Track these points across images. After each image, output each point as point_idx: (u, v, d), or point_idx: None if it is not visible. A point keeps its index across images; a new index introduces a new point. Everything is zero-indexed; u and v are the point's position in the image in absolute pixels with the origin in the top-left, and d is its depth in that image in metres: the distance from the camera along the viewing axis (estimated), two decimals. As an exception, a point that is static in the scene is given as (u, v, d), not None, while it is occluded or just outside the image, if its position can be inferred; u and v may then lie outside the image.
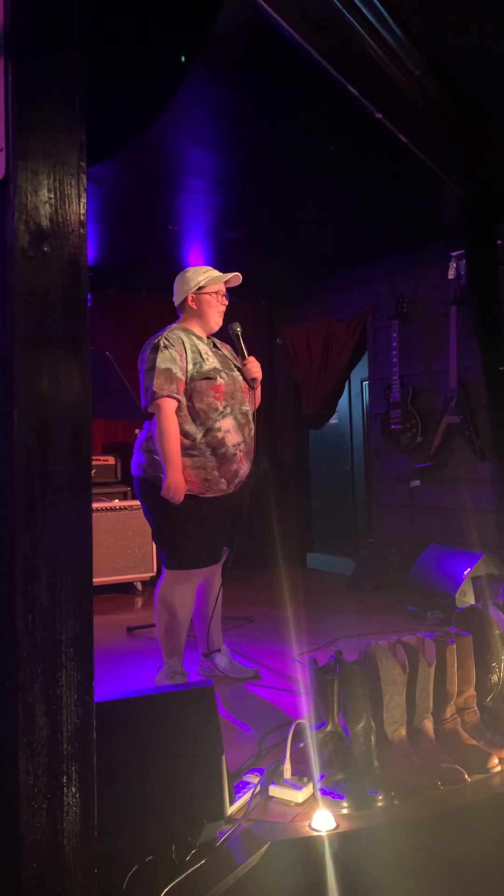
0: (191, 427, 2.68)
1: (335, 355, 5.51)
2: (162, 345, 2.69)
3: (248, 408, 2.82)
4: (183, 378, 2.67)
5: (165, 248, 4.76)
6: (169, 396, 2.63)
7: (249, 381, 2.83)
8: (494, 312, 3.90)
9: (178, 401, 2.66)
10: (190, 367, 2.69)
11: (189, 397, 2.69)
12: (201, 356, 2.73)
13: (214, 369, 2.72)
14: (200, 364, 2.70)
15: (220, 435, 2.69)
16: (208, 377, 2.69)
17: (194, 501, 2.69)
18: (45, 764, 1.17)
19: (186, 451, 2.67)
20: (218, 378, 2.71)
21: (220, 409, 2.70)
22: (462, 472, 4.48)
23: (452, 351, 4.43)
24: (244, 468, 2.79)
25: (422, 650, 2.10)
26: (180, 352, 2.69)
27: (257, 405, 2.94)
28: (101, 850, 1.27)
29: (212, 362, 2.74)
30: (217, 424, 2.69)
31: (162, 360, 2.65)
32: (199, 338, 2.81)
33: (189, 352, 2.71)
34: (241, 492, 2.86)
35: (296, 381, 5.93)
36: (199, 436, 2.68)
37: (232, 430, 2.72)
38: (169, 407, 2.63)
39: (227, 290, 2.90)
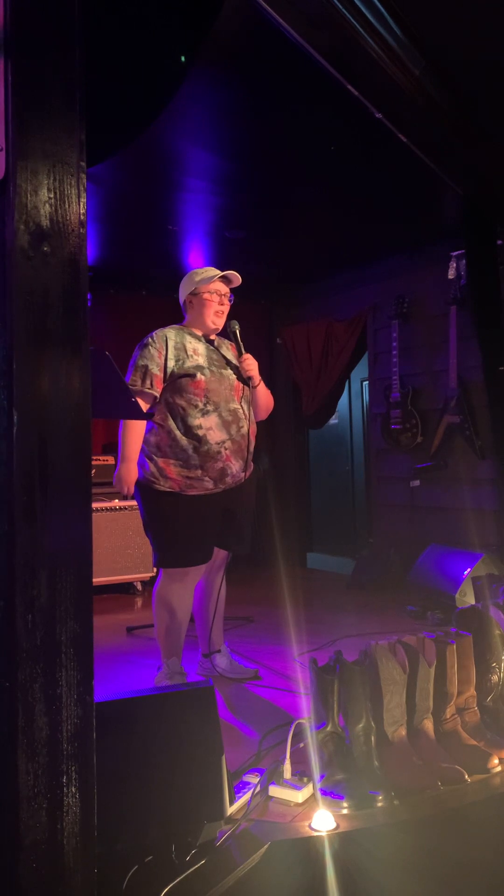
0: (172, 424, 2.70)
1: (335, 355, 5.51)
2: (145, 343, 2.76)
3: (240, 406, 2.79)
4: (160, 374, 2.70)
5: (165, 248, 4.76)
6: (140, 393, 2.68)
7: (245, 380, 2.82)
8: (494, 312, 3.90)
9: (154, 396, 2.71)
10: (171, 363, 2.71)
11: (171, 394, 2.71)
12: (187, 353, 2.74)
13: (197, 366, 2.72)
14: (183, 361, 2.71)
15: (200, 432, 2.69)
16: (188, 374, 2.70)
17: (176, 499, 2.70)
18: (45, 764, 1.17)
19: (169, 448, 2.69)
20: (199, 375, 2.71)
21: (201, 406, 2.70)
22: (462, 472, 4.49)
23: (452, 351, 4.43)
24: (233, 467, 2.76)
25: (422, 650, 2.10)
26: (160, 349, 2.72)
27: (265, 405, 2.91)
28: (101, 850, 1.27)
29: (196, 359, 2.74)
30: (197, 422, 2.69)
31: (141, 358, 2.72)
32: (197, 337, 2.82)
33: (172, 349, 2.73)
34: (236, 492, 2.83)
35: (296, 381, 5.93)
36: (179, 432, 2.69)
37: (215, 428, 2.71)
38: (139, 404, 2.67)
39: (231, 289, 2.89)
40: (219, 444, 2.71)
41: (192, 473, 2.69)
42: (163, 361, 2.71)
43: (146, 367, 2.70)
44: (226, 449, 2.73)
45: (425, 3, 2.31)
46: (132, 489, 2.72)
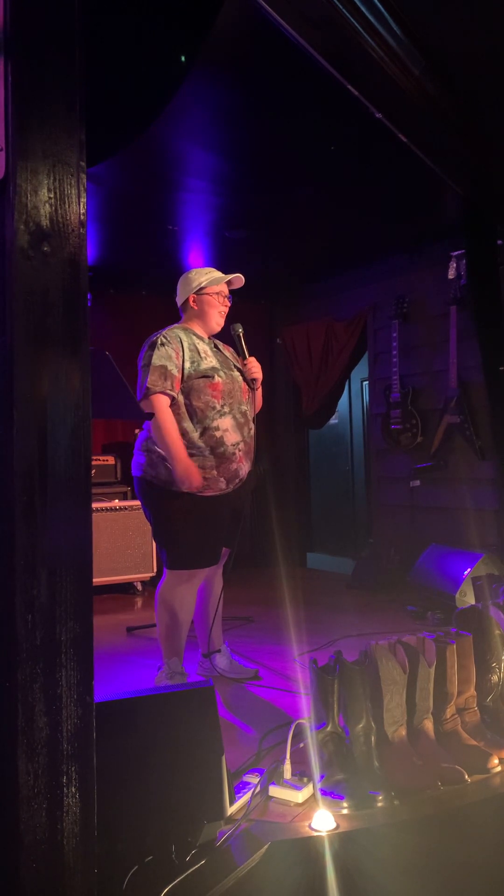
0: (188, 425, 2.69)
1: (335, 355, 5.51)
2: (159, 342, 2.70)
3: (248, 408, 2.83)
4: (178, 375, 2.68)
5: (165, 247, 4.76)
6: (162, 393, 2.65)
7: (249, 382, 2.84)
8: (494, 312, 3.90)
9: (173, 397, 2.68)
10: (187, 365, 2.70)
11: (187, 395, 2.69)
12: (199, 355, 2.74)
13: (212, 368, 2.73)
14: (198, 362, 2.71)
15: (218, 434, 2.69)
16: (206, 375, 2.69)
17: (192, 500, 2.69)
18: (45, 764, 1.17)
19: (185, 449, 2.68)
20: (216, 377, 2.71)
21: (218, 407, 2.70)
22: (462, 472, 4.48)
23: (452, 351, 4.43)
24: (244, 468, 2.79)
25: (422, 650, 2.10)
26: (177, 349, 2.70)
27: (258, 408, 2.93)
28: (101, 850, 1.27)
29: (210, 361, 2.74)
30: (215, 423, 2.69)
31: (158, 358, 2.66)
32: (200, 338, 2.82)
33: (187, 350, 2.72)
34: (241, 492, 2.86)
35: (296, 381, 5.93)
36: (196, 434, 2.68)
37: (230, 430, 2.72)
38: (162, 402, 2.65)
39: (229, 290, 2.90)
40: (234, 445, 2.72)
41: (208, 474, 2.69)
42: (181, 363, 2.69)
43: (164, 367, 2.65)
44: (239, 450, 2.74)
45: (425, 3, 2.31)
46: (201, 480, 2.65)
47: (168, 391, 2.65)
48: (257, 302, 6.05)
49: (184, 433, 2.68)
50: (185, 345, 2.73)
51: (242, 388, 2.81)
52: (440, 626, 3.51)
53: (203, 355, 2.74)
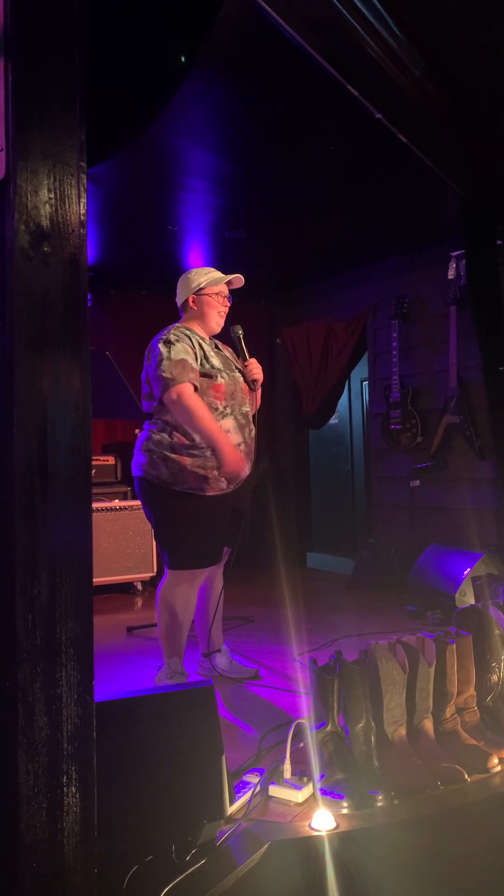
0: None
1: (335, 355, 5.51)
2: (173, 338, 2.69)
3: (249, 409, 2.83)
4: (198, 369, 2.67)
5: (165, 248, 4.76)
6: (188, 382, 2.62)
7: (250, 383, 2.85)
8: (494, 312, 3.90)
9: (195, 387, 2.65)
10: (197, 363, 2.70)
11: None
12: (205, 354, 2.74)
13: (215, 368, 2.73)
14: (204, 362, 2.71)
15: None
16: (209, 375, 2.70)
17: (194, 500, 2.69)
18: (45, 764, 1.17)
19: (187, 449, 2.68)
20: (218, 377, 2.71)
21: (221, 408, 2.70)
22: (462, 472, 4.48)
23: (452, 351, 4.43)
24: (245, 469, 2.79)
25: (422, 650, 2.10)
26: (189, 346, 2.69)
27: (257, 407, 2.94)
28: (101, 850, 1.27)
29: (213, 361, 2.75)
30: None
31: (175, 353, 2.64)
32: (202, 338, 2.82)
33: (196, 347, 2.72)
34: (242, 492, 2.86)
35: (296, 381, 5.93)
36: (199, 435, 2.68)
37: (232, 431, 2.72)
38: (188, 390, 2.61)
39: (229, 290, 2.91)
40: (235, 446, 2.72)
41: (210, 474, 2.69)
42: (195, 359, 2.68)
43: (185, 360, 2.63)
44: (240, 451, 2.74)
45: (425, 3, 2.31)
46: (247, 465, 2.69)
47: (193, 382, 2.63)
48: (257, 302, 6.05)
49: (186, 434, 2.68)
50: (195, 342, 2.73)
51: (243, 390, 2.81)
52: (440, 626, 3.51)
53: (207, 355, 2.75)
